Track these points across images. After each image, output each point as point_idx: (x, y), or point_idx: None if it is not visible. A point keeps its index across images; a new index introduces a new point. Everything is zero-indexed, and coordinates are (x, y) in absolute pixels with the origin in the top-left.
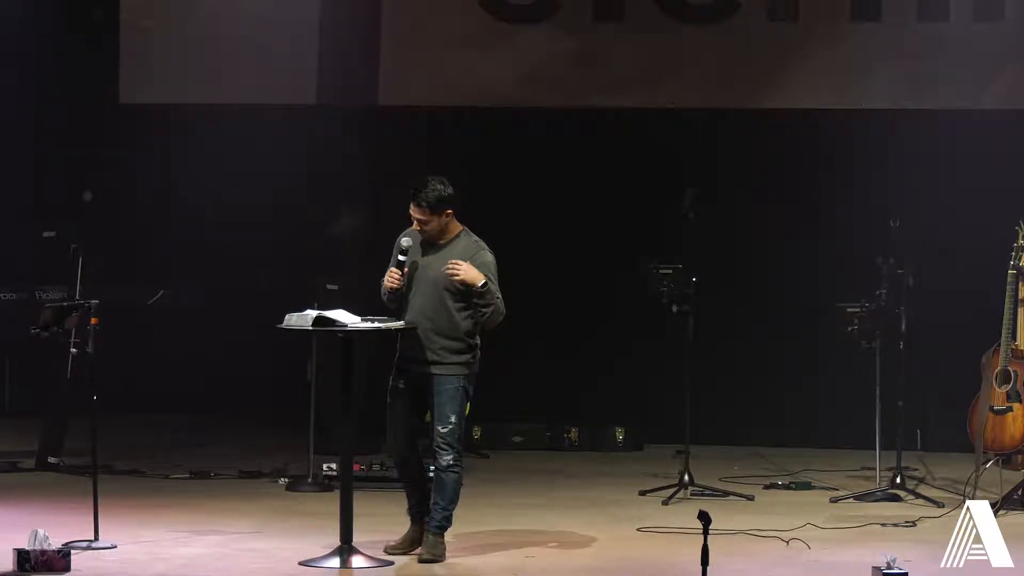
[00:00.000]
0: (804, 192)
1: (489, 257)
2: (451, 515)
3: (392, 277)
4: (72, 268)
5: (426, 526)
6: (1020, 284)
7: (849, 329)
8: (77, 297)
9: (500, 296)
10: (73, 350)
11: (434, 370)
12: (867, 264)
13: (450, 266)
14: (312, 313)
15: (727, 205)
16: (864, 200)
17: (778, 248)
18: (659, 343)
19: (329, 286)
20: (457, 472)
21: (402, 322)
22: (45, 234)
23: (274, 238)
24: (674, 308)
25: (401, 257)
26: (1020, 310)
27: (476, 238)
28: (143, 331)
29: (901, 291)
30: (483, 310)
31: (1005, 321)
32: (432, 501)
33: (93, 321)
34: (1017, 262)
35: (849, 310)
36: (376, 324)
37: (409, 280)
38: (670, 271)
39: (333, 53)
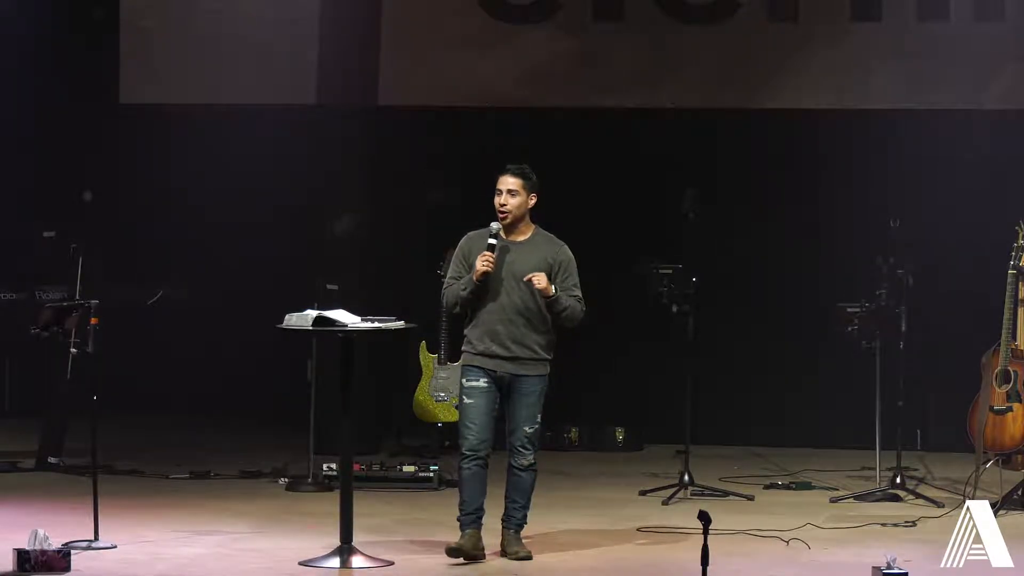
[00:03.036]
0: (804, 192)
1: (570, 252)
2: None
3: (486, 258)
4: (72, 268)
5: (505, 525)
6: (1020, 284)
7: (849, 329)
8: (77, 297)
9: (579, 295)
10: (73, 350)
11: (525, 369)
12: (867, 264)
13: (530, 278)
14: (312, 313)
15: (727, 205)
16: (864, 200)
17: (778, 248)
18: (659, 343)
19: (329, 286)
20: (536, 471)
21: (402, 322)
22: (45, 234)
23: (274, 237)
24: (674, 308)
25: (492, 240)
26: (1020, 310)
27: (552, 235)
28: (143, 331)
29: (901, 291)
30: (561, 315)
31: (1005, 321)
32: (510, 500)
33: (93, 321)
34: (1017, 262)
35: (849, 310)
36: (376, 324)
37: (484, 284)
38: (670, 271)
39: (333, 53)
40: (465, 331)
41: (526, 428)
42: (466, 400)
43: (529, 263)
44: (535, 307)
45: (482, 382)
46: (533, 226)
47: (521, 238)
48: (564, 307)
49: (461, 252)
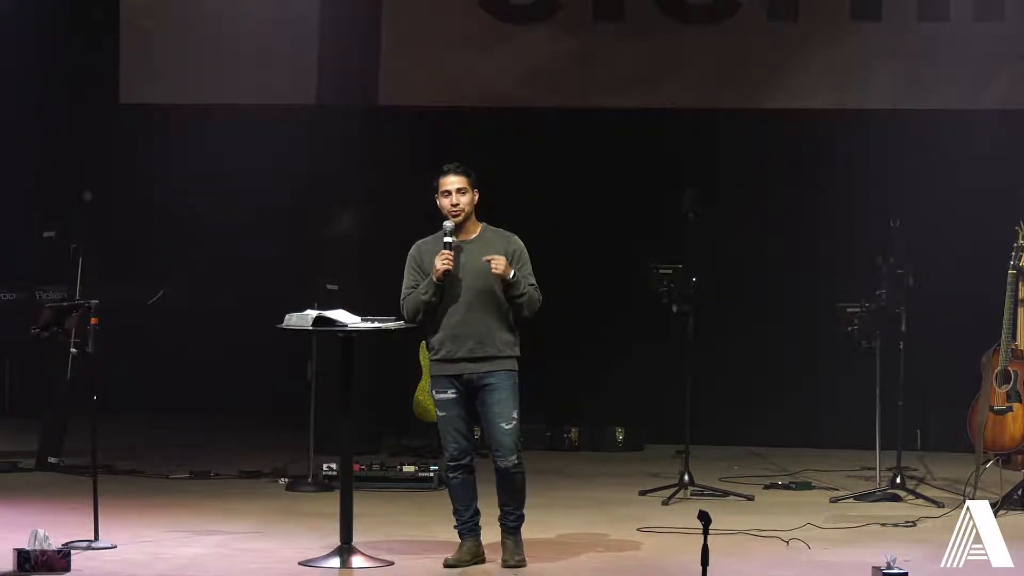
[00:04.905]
0: (804, 192)
1: (521, 242)
2: (524, 515)
3: (446, 256)
4: (72, 268)
5: (503, 530)
6: (1020, 284)
7: (849, 329)
8: (77, 297)
9: (534, 282)
10: (73, 350)
11: (490, 367)
12: (867, 264)
13: (489, 259)
14: (312, 313)
15: (727, 205)
16: (864, 200)
17: (778, 248)
18: (659, 343)
19: (329, 286)
20: (523, 471)
21: (402, 322)
22: (45, 234)
23: (274, 237)
24: (674, 308)
25: (448, 239)
26: (1020, 310)
27: (500, 229)
28: (143, 331)
29: (901, 291)
30: (518, 300)
31: (1005, 321)
32: (502, 504)
33: (93, 321)
34: (1017, 262)
35: (849, 310)
36: (376, 324)
37: (443, 285)
38: (670, 271)
39: (333, 53)
40: (428, 338)
41: (503, 426)
42: (440, 413)
43: (482, 257)
44: (495, 304)
45: (451, 393)
46: (480, 224)
47: (472, 236)
48: (522, 292)
49: (413, 261)
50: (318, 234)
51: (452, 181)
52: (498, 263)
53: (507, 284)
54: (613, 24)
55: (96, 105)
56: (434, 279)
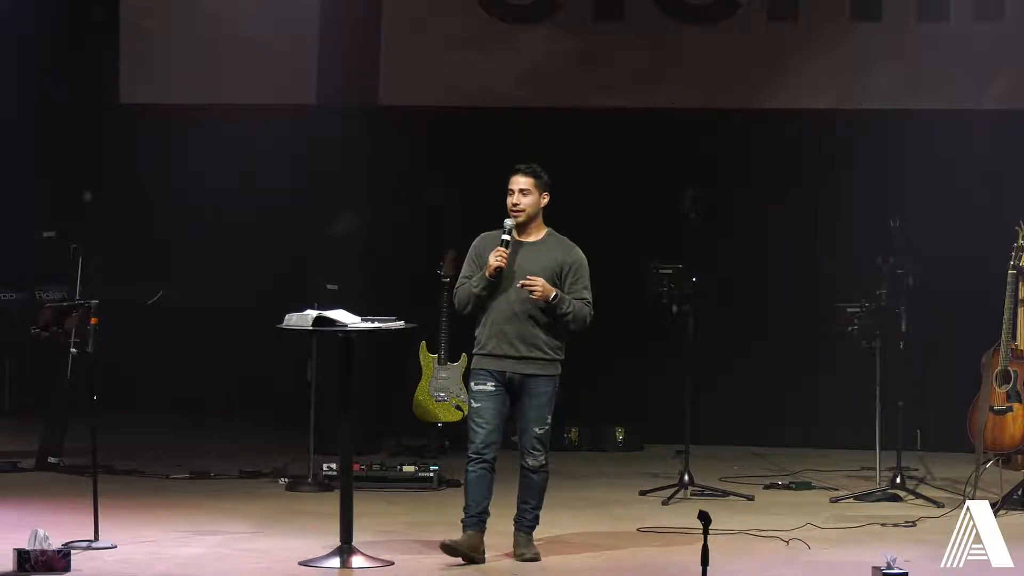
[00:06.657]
0: (804, 192)
1: (581, 255)
2: (539, 516)
3: (500, 254)
4: (72, 268)
5: (517, 526)
6: (1020, 284)
7: (849, 329)
8: (77, 297)
9: (588, 298)
10: (73, 350)
11: (534, 369)
12: (867, 264)
13: (526, 282)
14: (312, 313)
15: (727, 205)
16: (864, 200)
17: (778, 248)
18: (659, 343)
19: (329, 286)
20: (548, 472)
21: (402, 322)
22: (45, 234)
23: (274, 238)
24: (674, 308)
25: (506, 236)
26: (1020, 310)
27: (564, 238)
28: (143, 331)
29: (901, 291)
30: (564, 319)
31: (1005, 321)
32: (521, 501)
33: (93, 321)
34: (1017, 262)
35: (849, 310)
36: (376, 324)
37: (496, 281)
38: (670, 271)
39: (333, 53)
40: (476, 332)
41: (536, 430)
42: (474, 404)
43: (539, 264)
44: (543, 306)
45: (489, 386)
46: (546, 228)
47: (533, 238)
48: (567, 311)
49: (474, 251)
50: (318, 234)
51: (519, 181)
52: (535, 287)
53: (550, 304)
54: (613, 24)
55: (96, 105)
56: (486, 274)
